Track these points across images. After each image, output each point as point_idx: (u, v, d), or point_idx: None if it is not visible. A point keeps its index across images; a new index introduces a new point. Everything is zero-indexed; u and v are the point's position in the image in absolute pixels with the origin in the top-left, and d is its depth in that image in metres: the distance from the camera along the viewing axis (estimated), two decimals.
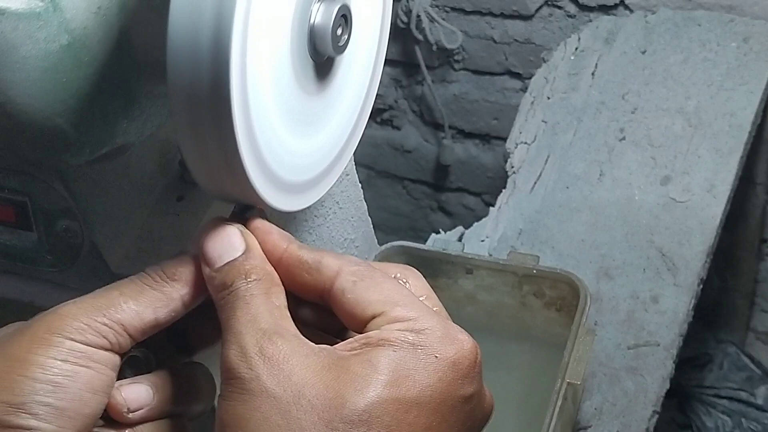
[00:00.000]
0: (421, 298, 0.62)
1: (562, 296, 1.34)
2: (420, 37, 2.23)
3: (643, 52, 1.83)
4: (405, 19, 2.22)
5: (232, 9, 0.58)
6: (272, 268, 0.62)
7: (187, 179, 0.91)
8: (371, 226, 1.21)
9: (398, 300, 0.60)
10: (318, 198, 0.76)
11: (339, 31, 0.69)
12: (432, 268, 1.34)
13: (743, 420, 2.09)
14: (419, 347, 0.57)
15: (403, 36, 2.27)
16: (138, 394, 0.61)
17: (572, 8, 2.05)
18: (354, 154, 0.82)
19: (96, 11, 0.67)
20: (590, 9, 2.02)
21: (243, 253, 0.61)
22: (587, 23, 1.98)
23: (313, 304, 0.64)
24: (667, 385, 1.44)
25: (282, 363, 0.56)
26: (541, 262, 1.36)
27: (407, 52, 2.31)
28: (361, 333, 0.60)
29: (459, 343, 0.59)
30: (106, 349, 0.59)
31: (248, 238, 0.62)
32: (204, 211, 0.90)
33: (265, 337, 0.57)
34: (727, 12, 1.85)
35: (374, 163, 2.54)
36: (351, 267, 0.62)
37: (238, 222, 0.64)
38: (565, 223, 1.62)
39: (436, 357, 0.58)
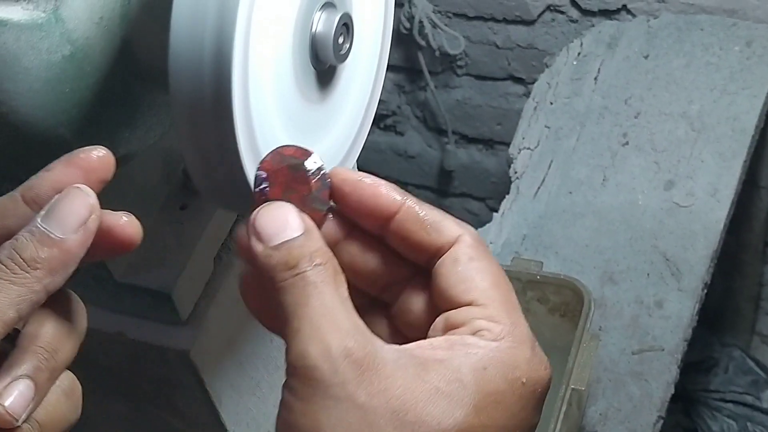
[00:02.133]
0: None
1: (566, 302, 1.34)
2: (423, 42, 2.23)
3: (646, 57, 1.83)
4: (408, 25, 2.22)
5: (234, 19, 0.59)
6: (332, 254, 0.56)
7: (190, 188, 0.91)
8: None
9: (502, 299, 0.56)
10: None
11: (341, 40, 0.69)
12: None
13: (749, 424, 2.09)
14: (509, 367, 0.54)
15: (405, 42, 2.27)
16: (19, 399, 0.53)
17: (575, 13, 2.05)
18: (357, 160, 0.83)
19: (98, 21, 0.67)
20: (593, 14, 2.02)
21: (302, 234, 0.55)
22: (590, 28, 1.98)
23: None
24: (672, 390, 1.44)
25: (369, 369, 0.52)
26: (545, 268, 1.36)
27: (410, 57, 2.31)
28: (446, 311, 0.56)
29: (542, 369, 0.56)
30: None
31: (306, 220, 0.56)
32: (207, 219, 0.90)
33: (349, 336, 0.53)
34: (729, 16, 1.84)
35: (378, 168, 2.54)
36: (471, 239, 0.58)
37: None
38: (568, 229, 1.62)
39: (523, 383, 0.55)
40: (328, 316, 0.53)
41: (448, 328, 0.56)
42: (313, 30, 0.67)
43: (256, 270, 0.56)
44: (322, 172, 0.59)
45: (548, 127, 1.80)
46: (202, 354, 0.92)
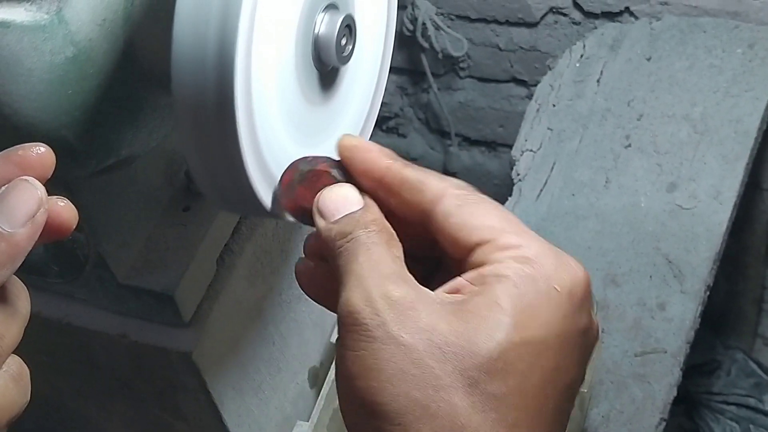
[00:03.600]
0: None
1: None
2: (425, 44, 2.23)
3: (649, 59, 1.82)
4: (410, 27, 2.22)
5: (237, 21, 0.59)
6: (390, 226, 0.59)
7: (193, 190, 0.91)
8: None
9: (505, 226, 0.58)
10: None
11: (343, 42, 0.69)
12: None
13: (751, 426, 2.09)
14: (539, 279, 0.55)
15: (408, 44, 2.27)
16: None
17: (577, 15, 2.05)
18: None
19: (101, 23, 0.67)
20: (595, 16, 2.02)
21: (362, 208, 0.59)
22: (592, 30, 1.97)
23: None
24: (675, 392, 1.43)
25: (408, 309, 0.54)
26: None
27: (413, 59, 2.31)
28: (465, 259, 0.58)
29: (573, 270, 0.57)
30: None
31: (365, 197, 0.60)
32: (210, 221, 0.91)
33: (389, 282, 0.55)
34: (732, 18, 1.84)
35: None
36: (455, 190, 0.59)
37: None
38: (571, 231, 1.62)
39: (557, 290, 0.55)
40: (373, 268, 0.55)
41: (473, 268, 0.57)
42: (316, 32, 0.67)
43: (321, 245, 0.59)
44: (316, 157, 0.64)
45: (551, 129, 1.79)
46: (205, 356, 0.92)
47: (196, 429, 1.02)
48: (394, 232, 0.59)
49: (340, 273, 0.57)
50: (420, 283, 0.57)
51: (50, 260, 0.89)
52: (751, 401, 2.11)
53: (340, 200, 0.60)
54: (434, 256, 0.63)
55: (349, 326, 0.55)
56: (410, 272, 0.58)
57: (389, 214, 0.61)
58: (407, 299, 0.54)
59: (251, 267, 0.97)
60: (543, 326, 0.54)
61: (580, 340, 0.57)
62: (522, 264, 0.56)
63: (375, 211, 0.59)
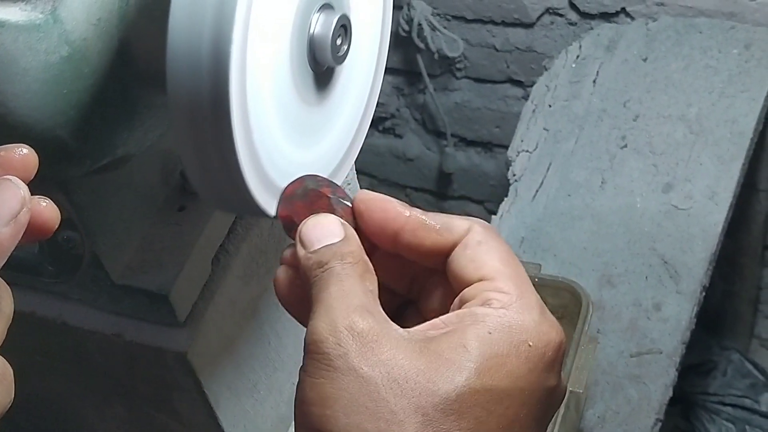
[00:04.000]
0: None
1: (565, 304, 1.34)
2: (422, 45, 2.23)
3: (645, 60, 1.83)
4: (407, 27, 2.22)
5: (232, 21, 0.59)
6: (368, 259, 0.60)
7: (189, 189, 0.91)
8: None
9: (509, 272, 0.58)
10: None
11: (338, 42, 0.69)
12: None
13: (747, 427, 2.09)
14: (514, 329, 0.56)
15: (404, 44, 2.27)
16: None
17: (573, 16, 2.05)
18: (356, 162, 0.82)
19: (96, 23, 0.67)
20: (591, 17, 2.02)
21: (341, 240, 0.60)
22: (588, 31, 1.98)
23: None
24: (670, 393, 1.44)
25: (372, 342, 0.54)
26: (543, 270, 1.35)
27: (409, 60, 2.32)
28: (460, 293, 0.58)
29: (551, 332, 0.57)
30: None
31: (347, 229, 0.61)
32: (205, 221, 0.90)
33: (356, 313, 0.55)
34: (728, 19, 1.85)
35: (377, 171, 2.54)
36: (480, 228, 0.60)
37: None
38: (567, 231, 1.62)
39: (529, 345, 0.56)
40: (342, 299, 0.56)
41: (462, 304, 0.58)
42: (311, 32, 0.67)
43: (298, 274, 0.61)
44: (327, 180, 0.66)
45: (547, 130, 1.80)
46: (200, 356, 0.92)
47: (191, 429, 1.02)
48: (370, 265, 0.60)
49: (311, 301, 0.58)
50: (392, 319, 0.57)
51: (45, 260, 0.89)
52: (747, 402, 2.12)
53: (321, 231, 0.60)
54: (411, 298, 0.64)
55: (312, 353, 0.55)
56: (385, 306, 0.59)
57: (375, 248, 0.62)
58: (372, 332, 0.55)
59: (247, 267, 0.97)
60: (507, 377, 0.55)
61: (544, 398, 0.57)
62: (503, 311, 0.56)
63: (353, 244, 0.60)
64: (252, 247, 0.97)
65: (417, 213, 0.61)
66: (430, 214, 0.62)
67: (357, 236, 0.61)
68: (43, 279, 0.91)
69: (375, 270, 0.61)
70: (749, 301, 2.23)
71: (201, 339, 0.92)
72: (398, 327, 0.56)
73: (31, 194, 0.56)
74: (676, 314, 1.49)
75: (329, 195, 0.63)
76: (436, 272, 0.62)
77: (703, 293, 1.53)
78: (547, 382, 0.57)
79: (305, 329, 0.57)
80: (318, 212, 0.63)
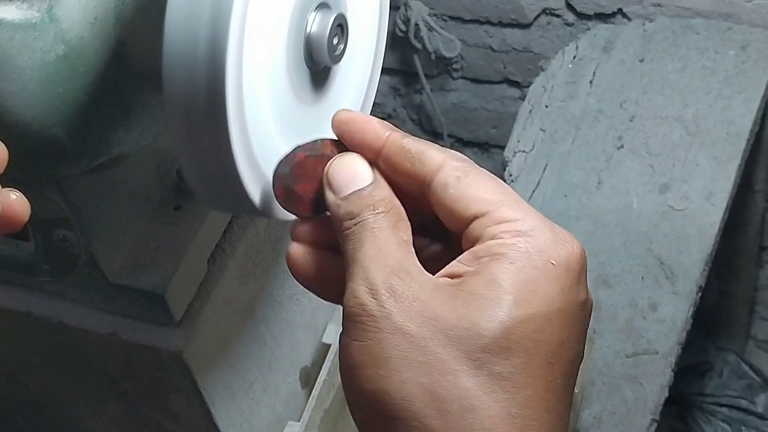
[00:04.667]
0: None
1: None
2: (418, 45, 2.23)
3: (641, 60, 1.83)
4: (403, 27, 2.22)
5: (228, 19, 0.58)
6: (399, 203, 0.59)
7: (184, 189, 0.91)
8: None
9: (502, 199, 0.58)
10: None
11: (335, 41, 0.69)
12: None
13: (743, 428, 2.09)
14: (534, 254, 0.55)
15: (401, 45, 2.27)
16: None
17: (570, 17, 2.05)
18: None
19: (92, 22, 0.67)
20: (588, 17, 2.02)
21: (371, 184, 0.59)
22: (585, 32, 1.98)
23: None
24: (666, 394, 1.44)
25: (412, 299, 0.54)
26: None
27: (406, 60, 2.31)
28: (462, 233, 0.58)
29: (569, 244, 0.57)
30: None
31: (375, 171, 0.60)
32: (201, 221, 0.90)
33: (393, 274, 0.55)
34: (725, 20, 1.85)
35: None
36: (455, 162, 0.59)
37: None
38: None
39: (553, 264, 0.55)
40: (378, 257, 0.56)
41: (469, 244, 0.57)
42: (308, 31, 0.67)
43: (315, 251, 0.61)
44: (325, 138, 0.63)
45: (543, 130, 1.80)
46: (196, 355, 0.92)
47: (187, 429, 1.02)
48: (403, 210, 0.59)
49: (347, 259, 0.57)
50: (430, 259, 0.58)
51: (41, 259, 0.89)
52: (743, 403, 2.12)
53: (350, 173, 0.60)
54: (442, 228, 0.62)
55: (355, 317, 0.55)
56: (420, 248, 0.59)
57: (394, 187, 0.61)
58: (411, 291, 0.55)
59: (243, 266, 0.97)
60: (544, 301, 0.55)
61: (580, 314, 0.57)
62: (517, 239, 0.56)
63: (384, 188, 0.60)
64: (248, 246, 0.97)
65: (397, 135, 0.61)
66: (410, 138, 0.61)
67: (384, 180, 0.60)
68: (39, 278, 0.90)
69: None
70: (745, 302, 2.23)
71: (197, 338, 0.92)
72: (431, 276, 0.56)
73: (22, 192, 0.56)
74: (672, 315, 1.49)
75: (308, 150, 0.62)
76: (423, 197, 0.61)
77: (700, 294, 1.53)
78: (579, 296, 0.57)
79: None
80: (311, 170, 0.61)
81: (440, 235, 0.63)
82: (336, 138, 0.62)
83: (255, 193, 0.65)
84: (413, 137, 0.61)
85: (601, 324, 1.49)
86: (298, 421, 1.11)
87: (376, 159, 0.61)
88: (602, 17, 1.99)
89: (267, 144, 0.66)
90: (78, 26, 0.66)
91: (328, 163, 0.61)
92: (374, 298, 0.55)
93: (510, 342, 0.53)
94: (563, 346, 0.55)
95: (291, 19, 0.65)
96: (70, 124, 0.69)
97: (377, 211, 0.58)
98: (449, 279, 0.56)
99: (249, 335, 1.02)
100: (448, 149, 0.60)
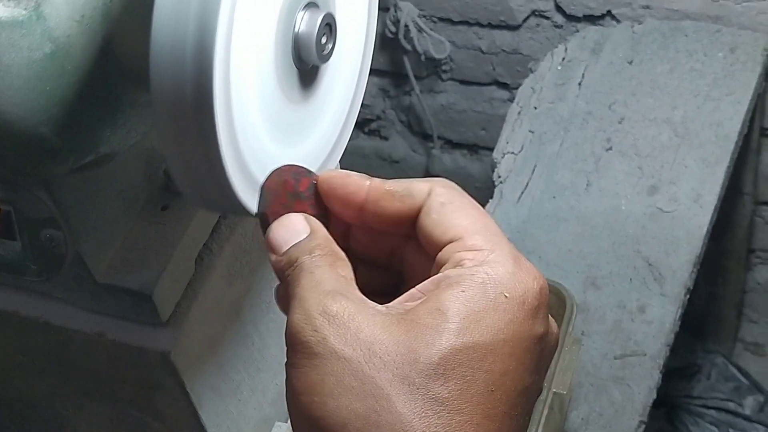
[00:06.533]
0: None
1: (549, 306, 1.34)
2: (408, 47, 2.23)
3: (630, 63, 1.83)
4: (393, 29, 2.22)
5: (216, 18, 0.58)
6: (338, 248, 0.60)
7: (172, 188, 0.91)
8: None
9: (478, 228, 0.58)
10: None
11: (323, 40, 0.69)
12: None
13: (731, 430, 2.09)
14: (489, 285, 0.55)
15: (391, 46, 2.27)
16: None
17: (559, 18, 2.05)
18: (341, 164, 0.82)
19: (79, 20, 0.67)
20: (577, 19, 2.02)
21: (308, 236, 0.60)
22: (574, 33, 1.98)
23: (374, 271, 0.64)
24: (654, 396, 1.44)
25: (348, 322, 0.54)
26: None
27: (395, 62, 2.31)
28: (435, 257, 0.58)
29: (528, 278, 0.57)
30: None
31: (312, 222, 0.61)
32: (189, 220, 0.90)
33: (328, 298, 0.55)
34: (713, 22, 1.85)
35: (362, 173, 2.54)
36: (441, 188, 0.60)
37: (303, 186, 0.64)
38: (551, 233, 1.62)
39: (506, 296, 0.55)
40: (314, 288, 0.56)
41: (438, 270, 0.58)
42: (296, 30, 0.67)
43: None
44: (307, 172, 0.65)
45: (532, 132, 1.80)
46: (183, 355, 0.92)
47: (174, 429, 1.02)
48: (341, 253, 0.60)
49: (289, 300, 0.58)
50: (389, 298, 0.58)
51: (28, 259, 0.88)
52: (731, 405, 2.12)
53: (287, 232, 0.61)
54: (399, 272, 0.64)
55: (292, 345, 0.55)
56: (379, 287, 0.60)
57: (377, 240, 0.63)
58: (346, 313, 0.55)
59: (230, 266, 0.97)
60: (487, 331, 0.54)
61: (533, 347, 0.56)
62: (477, 268, 0.56)
63: (320, 236, 0.61)
64: (236, 246, 0.97)
65: (377, 182, 0.62)
66: (392, 181, 0.62)
67: (324, 228, 0.61)
68: (26, 278, 0.90)
69: (356, 246, 0.62)
70: (733, 305, 2.23)
71: (184, 339, 0.92)
72: (375, 304, 0.56)
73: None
74: (661, 317, 1.49)
75: (290, 190, 0.63)
76: (411, 240, 0.62)
77: (688, 296, 1.54)
78: (533, 330, 0.56)
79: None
80: (287, 210, 0.63)
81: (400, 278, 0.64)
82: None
83: (242, 191, 0.65)
84: (393, 179, 0.62)
85: (589, 326, 1.49)
86: (286, 422, 1.11)
87: (361, 209, 0.62)
88: (591, 19, 2.00)
89: (255, 143, 0.66)
90: (65, 24, 0.66)
91: (267, 229, 0.62)
92: (308, 324, 0.55)
93: (447, 369, 0.53)
94: (507, 375, 0.55)
95: (279, 18, 0.65)
96: (57, 122, 0.69)
97: (313, 255, 0.59)
98: (399, 305, 0.56)
99: (236, 336, 1.01)
100: (434, 178, 0.62)
